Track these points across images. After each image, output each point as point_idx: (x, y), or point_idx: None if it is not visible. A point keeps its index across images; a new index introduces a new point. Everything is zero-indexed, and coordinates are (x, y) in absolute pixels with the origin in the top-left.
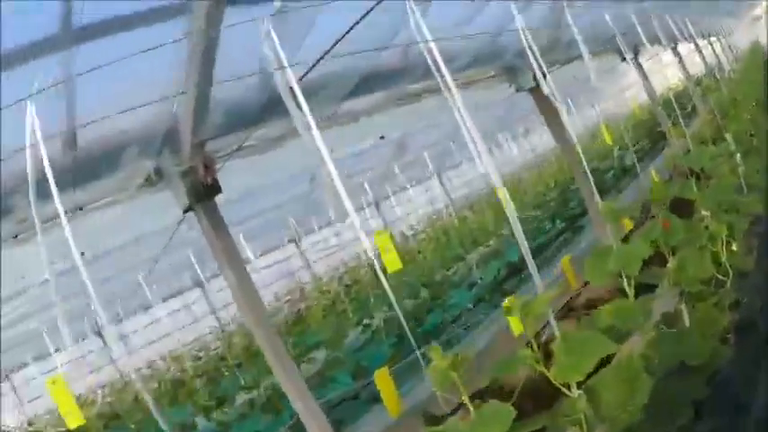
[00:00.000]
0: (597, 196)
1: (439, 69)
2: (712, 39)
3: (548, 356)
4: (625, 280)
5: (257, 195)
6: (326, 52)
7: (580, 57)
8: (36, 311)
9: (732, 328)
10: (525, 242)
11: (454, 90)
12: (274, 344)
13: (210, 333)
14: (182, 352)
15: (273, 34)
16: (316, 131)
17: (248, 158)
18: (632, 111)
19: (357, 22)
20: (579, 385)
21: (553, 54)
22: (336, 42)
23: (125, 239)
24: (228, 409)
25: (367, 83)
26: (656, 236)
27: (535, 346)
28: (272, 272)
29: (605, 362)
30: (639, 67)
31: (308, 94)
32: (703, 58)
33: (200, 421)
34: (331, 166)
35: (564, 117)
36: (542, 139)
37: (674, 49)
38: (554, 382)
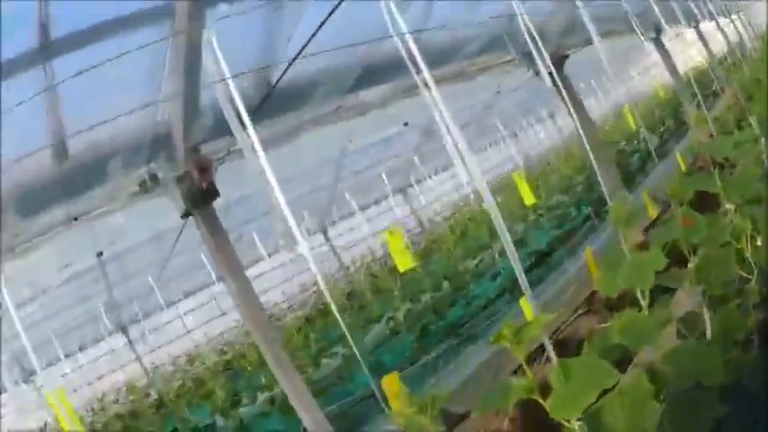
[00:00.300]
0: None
1: (416, 64)
2: (733, 17)
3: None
4: (638, 292)
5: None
6: (303, 47)
7: (600, 38)
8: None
9: (756, 328)
10: (516, 256)
11: (433, 86)
12: (276, 353)
13: (236, 327)
14: (207, 347)
15: (215, 42)
16: (261, 152)
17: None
18: (656, 91)
19: (327, 17)
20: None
21: (572, 37)
22: (311, 38)
23: (147, 236)
24: (248, 408)
25: (370, 75)
26: (675, 236)
27: (529, 373)
28: (298, 263)
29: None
30: (661, 46)
31: (303, 89)
32: (725, 37)
33: (220, 420)
34: (277, 191)
35: (570, 106)
36: (566, 122)
37: (696, 28)
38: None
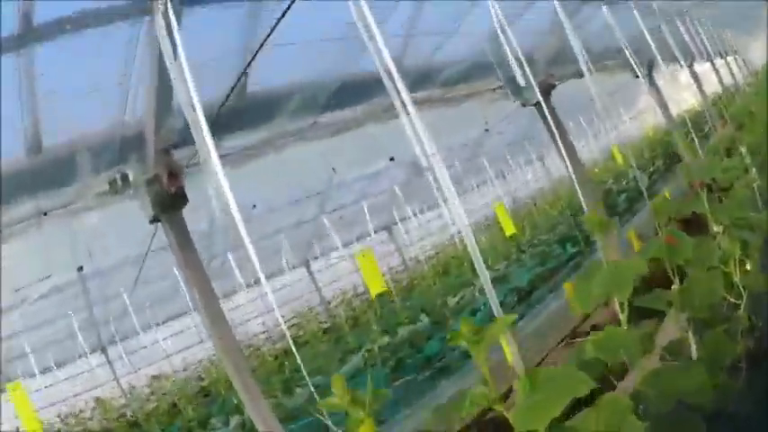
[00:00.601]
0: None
1: (394, 83)
2: (729, 58)
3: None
4: (617, 304)
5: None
6: (253, 57)
7: (591, 72)
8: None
9: (744, 357)
10: (492, 286)
11: (410, 103)
12: (245, 379)
13: (215, 356)
14: (185, 373)
15: (179, 44)
16: (221, 172)
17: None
18: (646, 132)
19: (287, 9)
20: (552, 430)
21: (561, 68)
22: (272, 30)
23: (129, 256)
24: (221, 431)
25: (347, 92)
26: (658, 253)
27: (492, 382)
28: (280, 295)
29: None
30: (653, 84)
31: (278, 100)
32: (720, 80)
33: None
34: (240, 224)
35: (557, 136)
36: (554, 164)
37: (691, 67)
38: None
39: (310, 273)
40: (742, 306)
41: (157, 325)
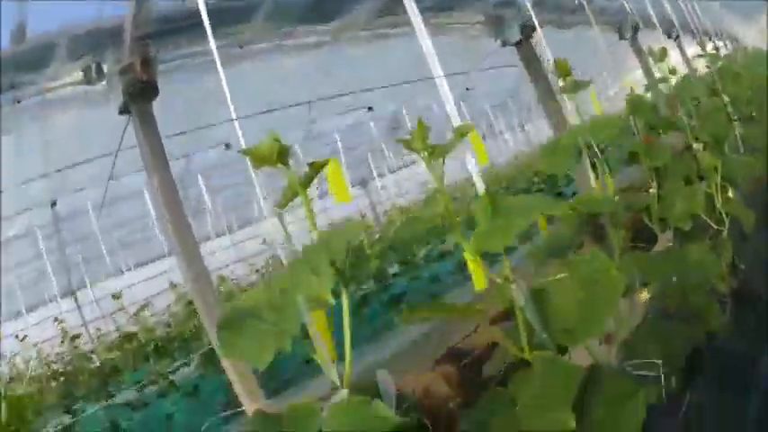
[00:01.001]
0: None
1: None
2: (719, 44)
3: None
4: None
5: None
6: None
7: (574, 24)
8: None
9: (730, 294)
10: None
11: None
12: (212, 313)
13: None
14: (154, 318)
15: None
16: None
17: None
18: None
19: None
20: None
21: (543, 14)
22: None
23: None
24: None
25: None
26: (636, 148)
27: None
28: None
29: None
30: (639, 51)
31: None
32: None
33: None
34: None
35: (550, 72)
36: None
37: (677, 39)
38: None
39: (283, 224)
40: (724, 232)
41: (129, 270)
